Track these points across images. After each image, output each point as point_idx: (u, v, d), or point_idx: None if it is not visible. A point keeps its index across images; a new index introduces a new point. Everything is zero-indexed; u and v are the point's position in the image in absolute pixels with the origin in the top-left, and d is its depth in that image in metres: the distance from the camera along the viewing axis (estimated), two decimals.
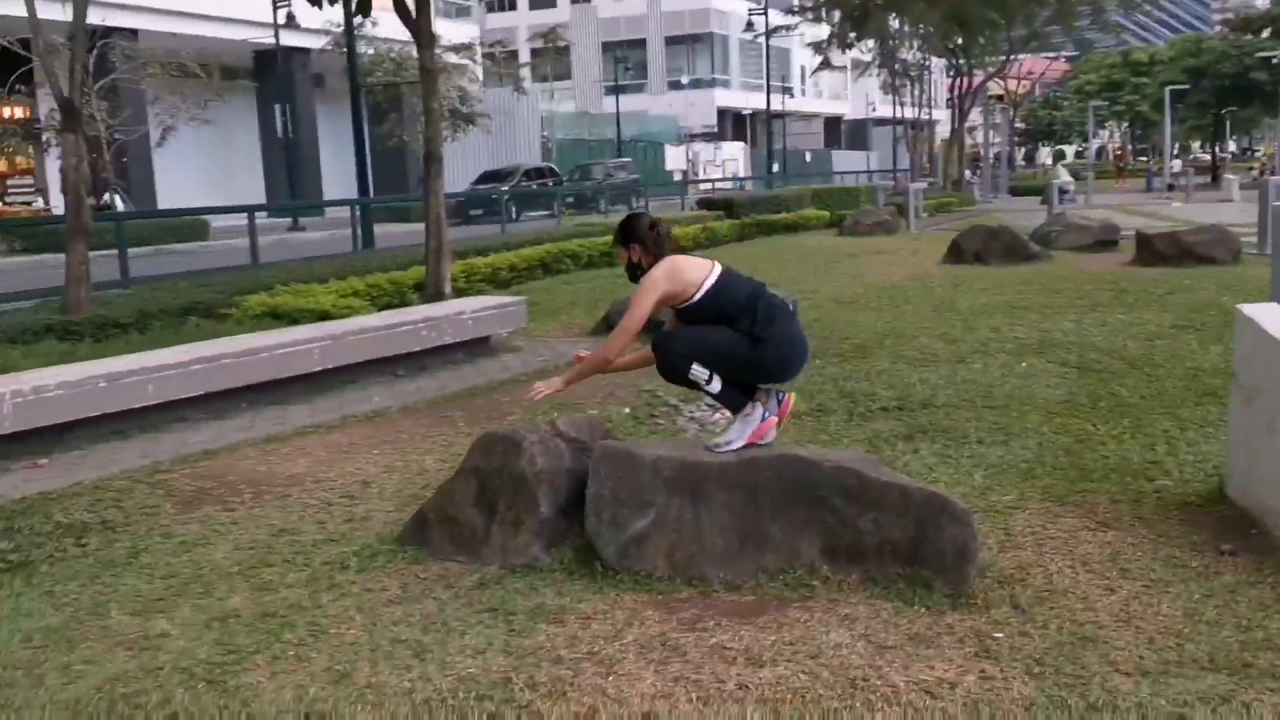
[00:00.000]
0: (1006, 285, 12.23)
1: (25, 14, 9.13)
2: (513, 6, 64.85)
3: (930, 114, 68.52)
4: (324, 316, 9.67)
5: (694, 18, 62.79)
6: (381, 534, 4.69)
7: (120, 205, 25.64)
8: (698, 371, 4.16)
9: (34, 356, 8.00)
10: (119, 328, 9.37)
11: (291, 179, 29.94)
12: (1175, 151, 65.95)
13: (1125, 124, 75.87)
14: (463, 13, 46.51)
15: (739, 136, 65.33)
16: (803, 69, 65.79)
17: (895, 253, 17.16)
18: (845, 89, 77.91)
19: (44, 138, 24.42)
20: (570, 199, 32.45)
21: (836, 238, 21.09)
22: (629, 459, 4.12)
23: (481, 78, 36.51)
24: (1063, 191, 36.84)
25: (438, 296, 11.15)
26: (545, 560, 4.16)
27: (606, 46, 62.17)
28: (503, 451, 4.32)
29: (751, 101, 66.99)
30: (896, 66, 45.65)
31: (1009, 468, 5.41)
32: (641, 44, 63.73)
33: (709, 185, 40.99)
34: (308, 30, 31.67)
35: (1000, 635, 3.50)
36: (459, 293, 13.04)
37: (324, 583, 4.16)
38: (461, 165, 38.15)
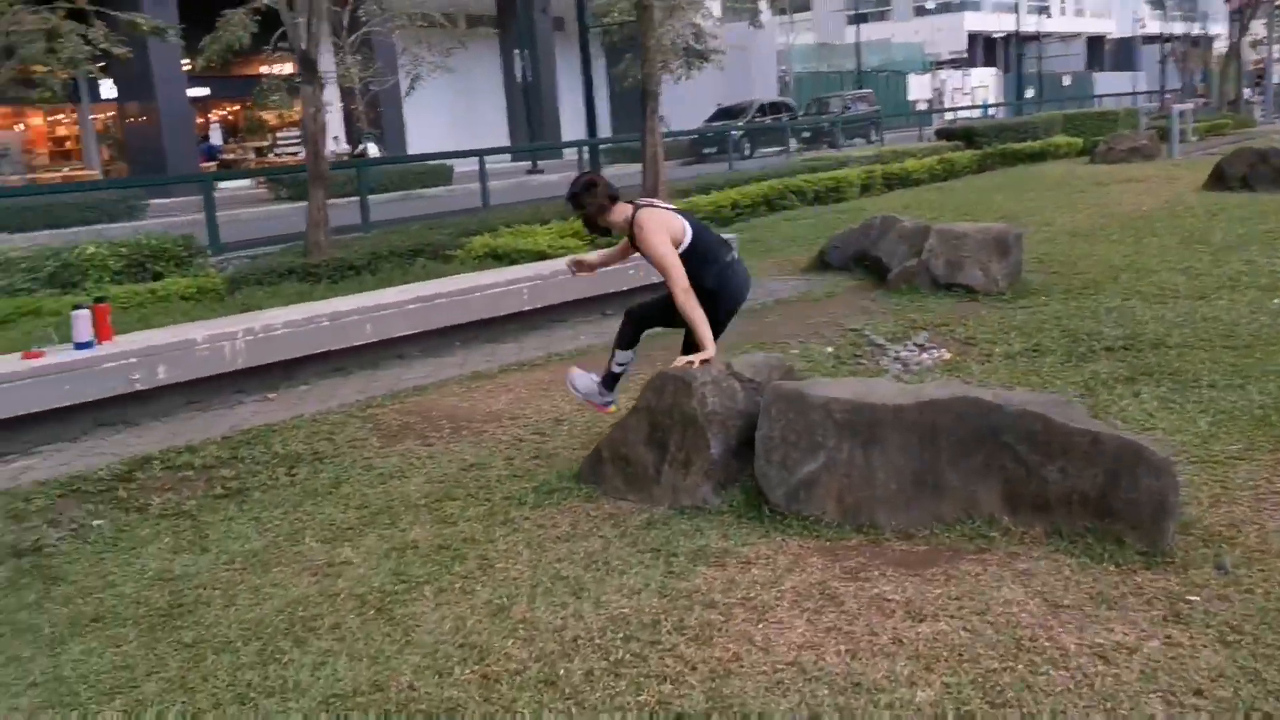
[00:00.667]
0: (1272, 214, 11.12)
1: None
2: None
3: (1205, 28, 63.12)
4: (540, 257, 9.87)
5: None
6: (562, 471, 4.75)
7: (374, 152, 27.05)
8: (621, 356, 4.97)
9: (276, 297, 8.58)
10: (353, 269, 9.89)
11: (531, 122, 30.67)
12: None
13: None
14: None
15: (990, 62, 62.21)
16: None
17: (1148, 180, 15.91)
18: (1109, 5, 72.71)
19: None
20: (806, 133, 31.82)
21: (1087, 166, 19.75)
22: (800, 400, 3.99)
23: (718, 12, 36.15)
24: None
25: None
26: (714, 502, 4.11)
27: None
28: (674, 391, 4.27)
29: (1004, 24, 63.52)
30: None
31: (1240, 414, 4.93)
32: None
33: (953, 115, 39.33)
34: None
35: (1195, 598, 3.20)
36: None
37: (499, 517, 4.26)
38: (695, 102, 38.10)
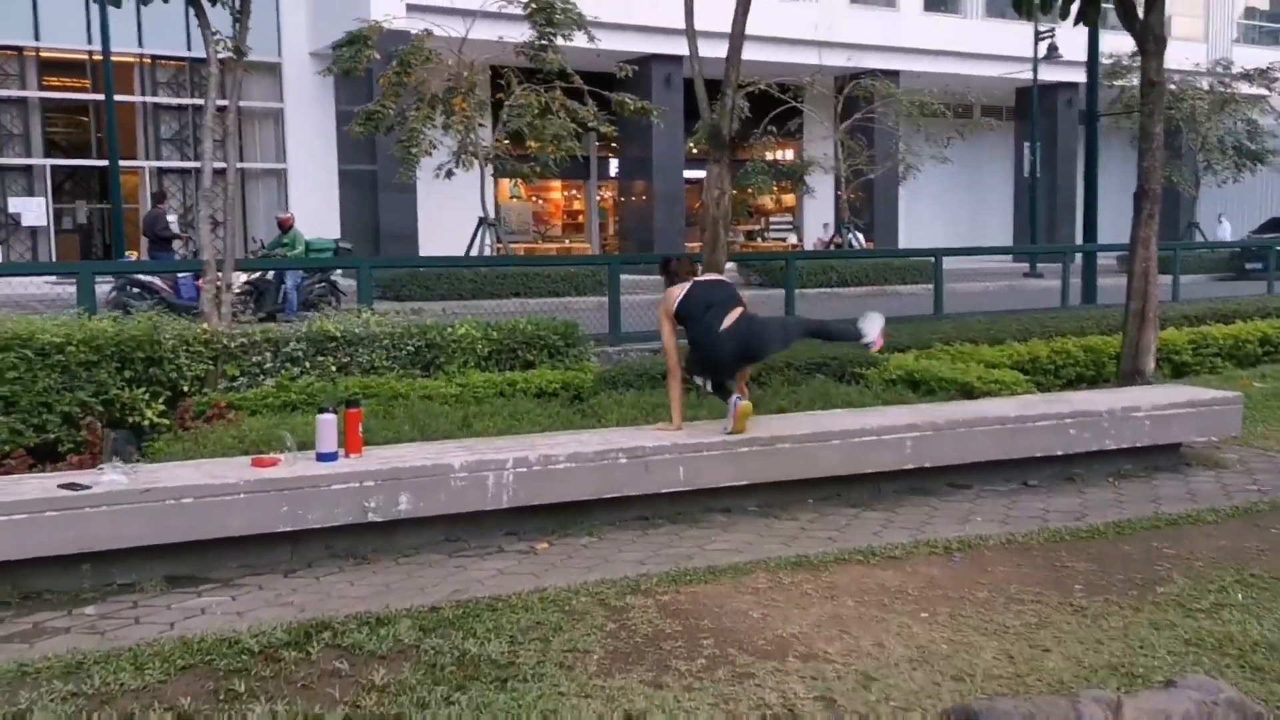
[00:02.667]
0: None
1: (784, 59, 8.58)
2: None
3: None
4: (966, 391, 7.73)
5: None
6: None
7: (855, 244, 25.69)
8: (697, 380, 5.98)
9: (623, 407, 7.23)
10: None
11: (1034, 220, 27.78)
12: None
13: None
14: (1267, 36, 40.27)
15: None
16: None
17: None
18: None
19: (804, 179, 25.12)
20: None
21: None
22: None
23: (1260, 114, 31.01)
24: None
25: (1133, 375, 8.57)
26: None
27: None
28: None
29: None
30: None
31: None
32: None
33: None
34: (1073, 63, 29.44)
35: None
36: (1176, 372, 10.21)
37: None
38: (1242, 210, 33.00)
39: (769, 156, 27.85)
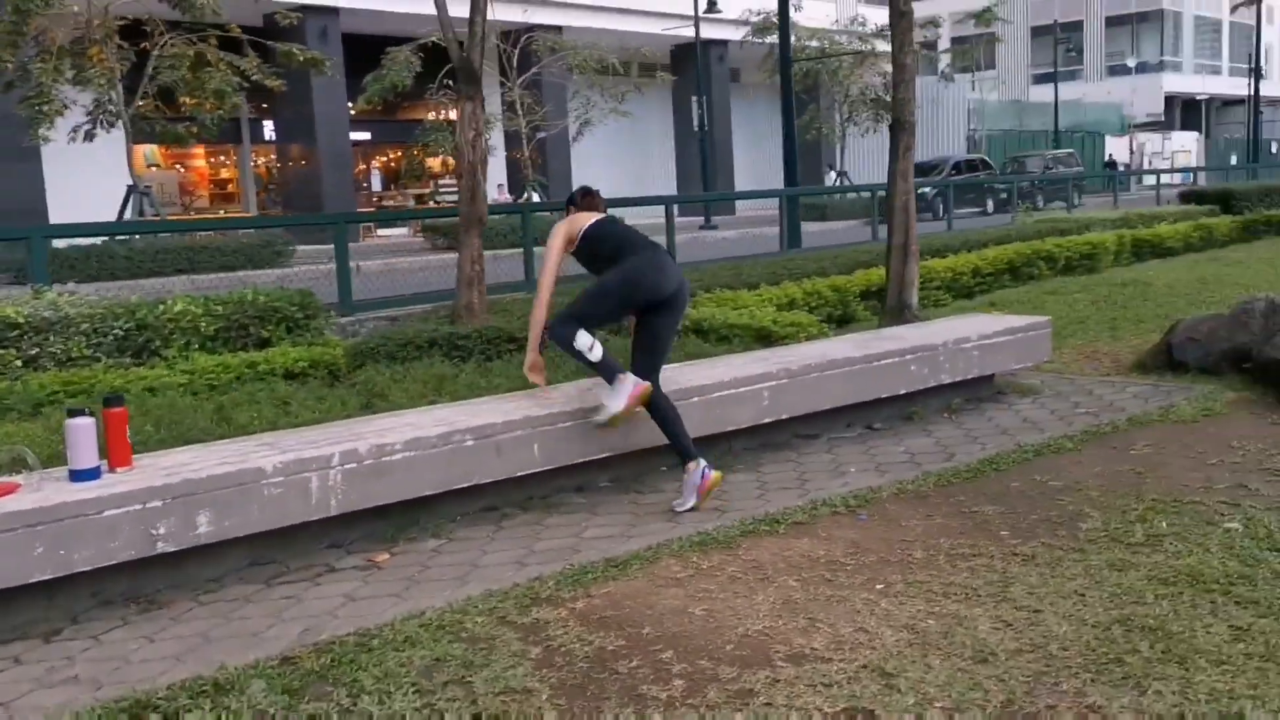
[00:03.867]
0: None
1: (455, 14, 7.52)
2: None
3: None
4: (763, 337, 7.30)
5: None
6: None
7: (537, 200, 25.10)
8: (580, 341, 4.56)
9: (407, 381, 6.21)
10: (512, 343, 7.49)
11: (706, 173, 28.38)
12: None
13: None
14: None
15: (1188, 126, 57.65)
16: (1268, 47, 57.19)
17: None
18: None
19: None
20: (1003, 194, 28.66)
21: None
22: None
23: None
24: None
25: (900, 311, 8.52)
26: None
27: (1036, 31, 56.83)
28: None
29: (1208, 86, 58.86)
30: None
31: None
32: (1077, 26, 57.52)
33: (1153, 179, 35.48)
34: (726, 21, 30.24)
35: None
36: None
37: None
38: (881, 158, 35.32)
39: (431, 117, 26.60)
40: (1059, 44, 47.45)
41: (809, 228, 20.41)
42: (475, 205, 7.67)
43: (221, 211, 27.93)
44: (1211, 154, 53.99)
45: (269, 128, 26.89)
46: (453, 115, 27.95)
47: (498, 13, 23.38)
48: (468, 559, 4.12)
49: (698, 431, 4.94)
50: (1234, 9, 41.41)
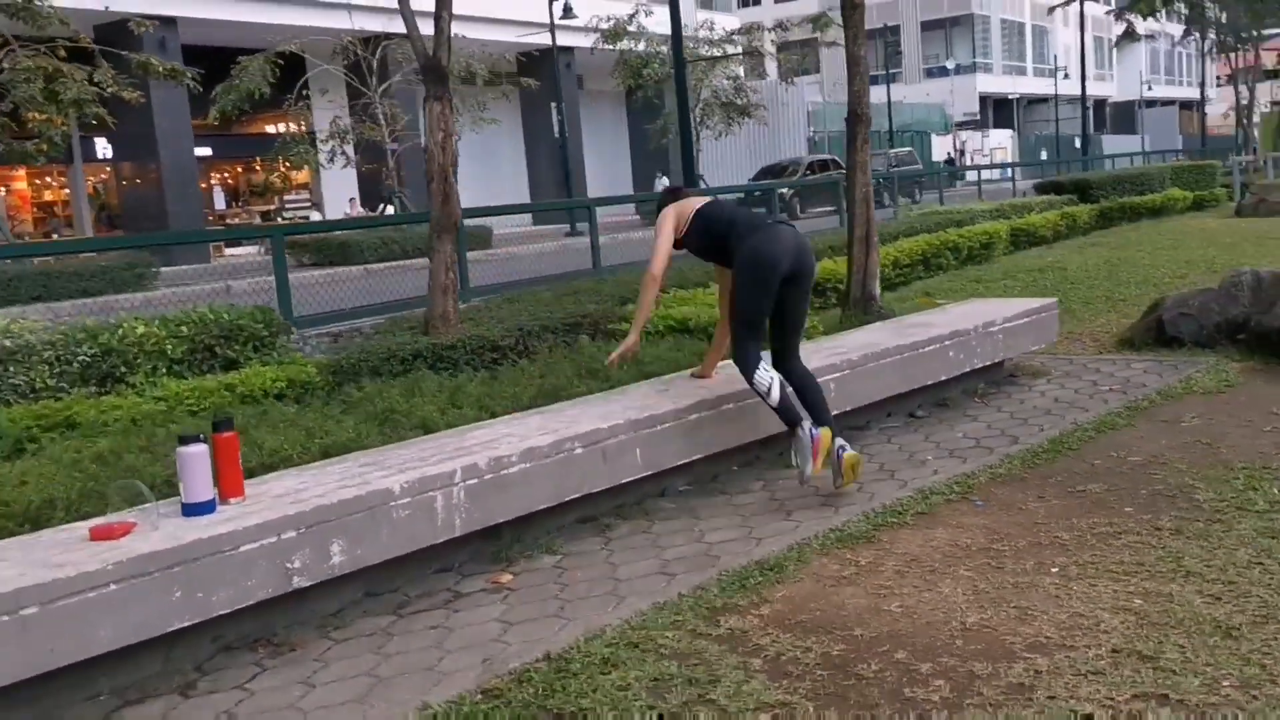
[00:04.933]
0: None
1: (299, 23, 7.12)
2: (757, 1, 62.21)
3: (1203, 92, 62.21)
4: None
5: (953, 0, 58.73)
6: None
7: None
8: (759, 380, 4.42)
9: (417, 396, 5.85)
10: (496, 351, 7.18)
11: (569, 181, 28.19)
12: None
13: None
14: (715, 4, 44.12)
15: (1000, 124, 60.79)
16: (1085, 46, 60.82)
17: None
18: (1109, 70, 71.94)
19: (332, 147, 23.25)
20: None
21: (1238, 220, 17.34)
22: None
23: (742, 71, 34.00)
24: None
25: (865, 300, 8.55)
26: None
27: None
28: None
29: (1017, 86, 62.12)
30: (1216, 33, 40.53)
31: None
32: (895, 30, 59.83)
33: (974, 175, 37.22)
34: (575, 29, 30.08)
35: None
36: (843, 299, 10.44)
37: None
38: (730, 160, 35.85)
39: (280, 129, 25.50)
40: (889, 46, 49.21)
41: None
42: (448, 210, 7.30)
43: (56, 235, 26.17)
44: (1024, 149, 56.97)
45: (101, 145, 25.31)
46: (285, 127, 27.11)
47: (356, 21, 22.82)
48: (601, 573, 3.86)
49: (774, 430, 4.79)
50: (1050, 10, 44.04)
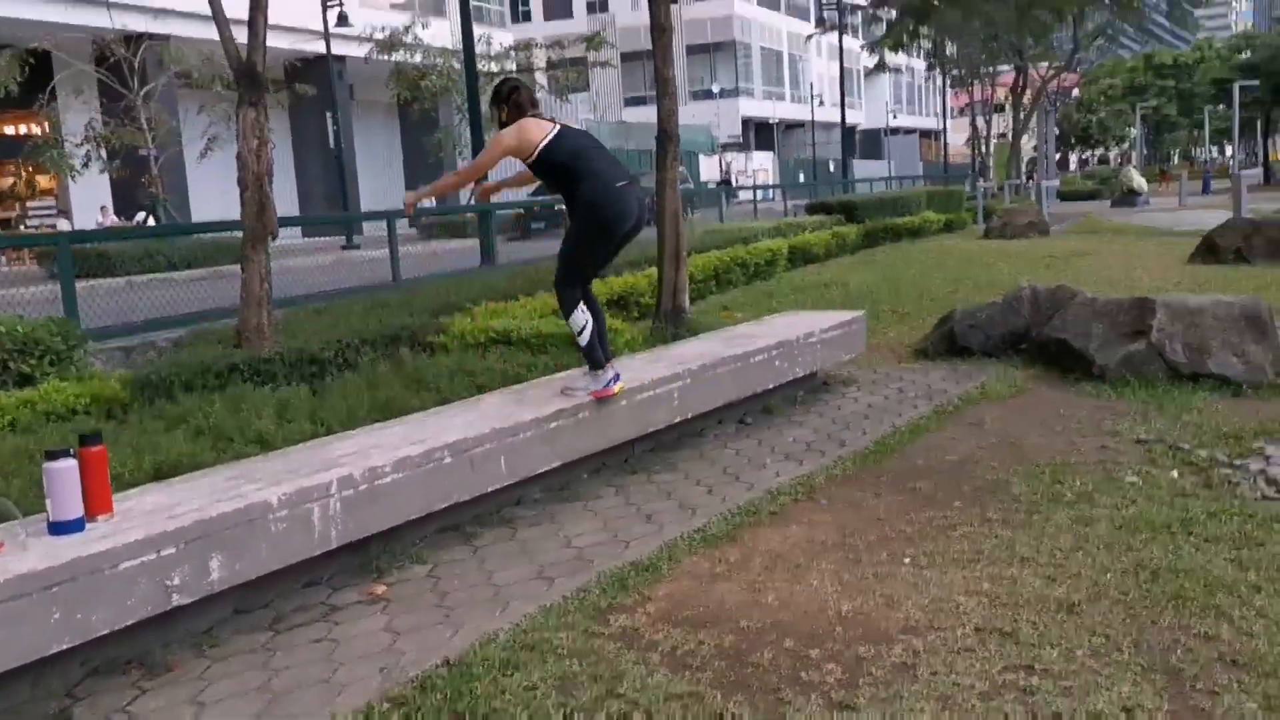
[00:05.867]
0: None
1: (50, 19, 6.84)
2: (527, 18, 62.57)
3: (944, 122, 67.28)
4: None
5: (716, 26, 60.83)
6: None
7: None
8: (575, 320, 4.82)
9: (244, 414, 5.65)
10: (315, 364, 7.02)
11: (345, 192, 27.51)
12: (1231, 152, 64.34)
13: (1144, 129, 74.29)
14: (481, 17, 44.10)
15: (762, 146, 63.48)
16: (845, 75, 64.24)
17: (1099, 254, 14.91)
18: (859, 99, 76.47)
19: (87, 151, 21.85)
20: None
21: (989, 241, 18.80)
22: None
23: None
24: (1135, 193, 35.01)
25: (676, 313, 8.84)
26: None
27: (625, 56, 60.03)
28: None
29: (777, 111, 65.01)
30: (954, 69, 43.69)
31: None
32: None
33: (749, 195, 38.81)
34: (349, 38, 29.41)
35: None
36: (642, 313, 10.75)
37: None
38: (510, 175, 35.78)
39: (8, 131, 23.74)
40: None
41: (450, 245, 20.10)
42: (264, 219, 7.08)
43: None
44: (784, 172, 59.65)
45: None
46: (38, 129, 25.32)
47: (118, 19, 21.54)
48: (478, 580, 3.89)
49: (627, 435, 4.94)
50: (806, 39, 46.64)
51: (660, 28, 8.76)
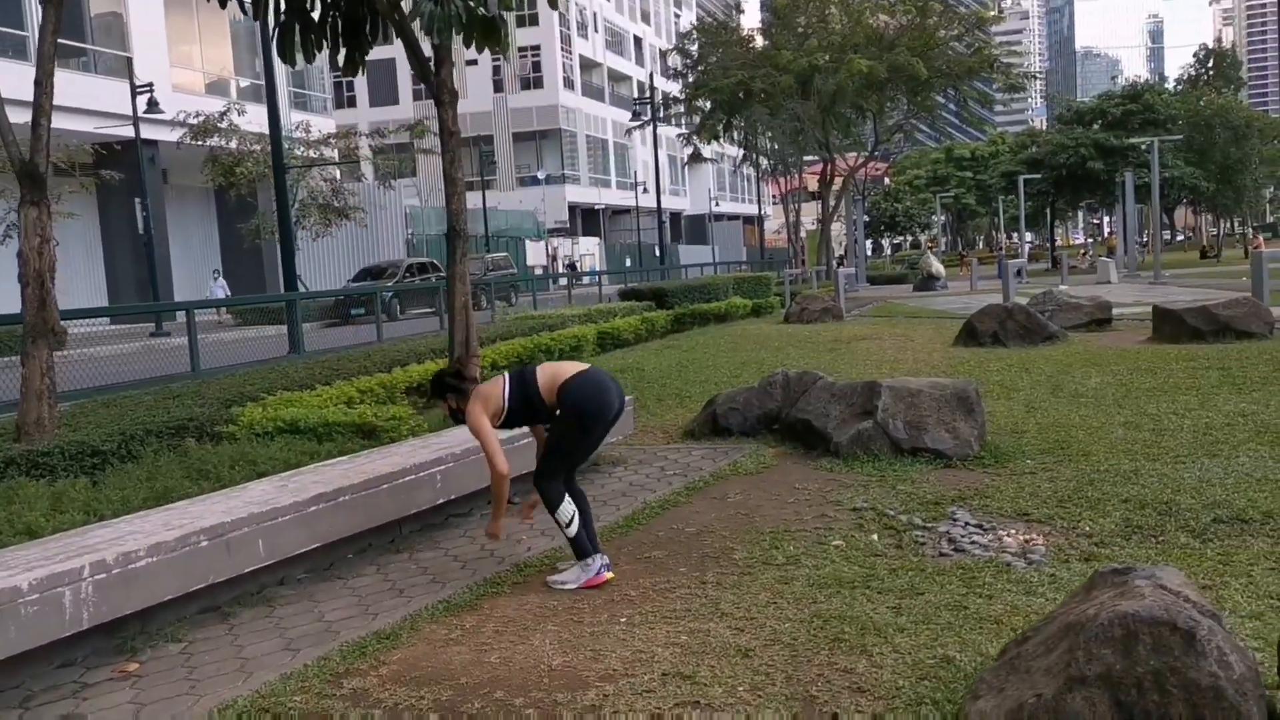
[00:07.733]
0: (1075, 366, 11.15)
1: None
2: (352, 104, 62.72)
3: (761, 209, 70.35)
4: (367, 433, 7.68)
5: (542, 114, 62.23)
6: None
7: None
8: (562, 513, 4.90)
9: (15, 505, 5.80)
10: (97, 456, 7.16)
11: (154, 279, 27.03)
12: (1022, 239, 69.08)
13: (947, 216, 79.41)
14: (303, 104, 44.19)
15: (589, 232, 64.84)
16: (661, 164, 66.46)
17: (879, 339, 16.06)
18: (684, 186, 79.11)
19: None
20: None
21: (787, 326, 19.91)
22: None
23: (338, 174, 34.42)
24: (934, 278, 37.36)
25: None
26: None
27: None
28: (1155, 644, 2.64)
29: (603, 197, 66.66)
30: (765, 161, 45.91)
31: None
32: (489, 140, 62.45)
33: (565, 280, 39.77)
34: (162, 122, 29.14)
35: None
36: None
37: None
38: (330, 260, 35.81)
39: None
40: (484, 156, 51.15)
41: (266, 331, 20.02)
42: (44, 314, 7.23)
43: None
44: (610, 257, 61.04)
45: None
46: None
47: None
48: (228, 654, 4.21)
49: (390, 516, 5.34)
50: (628, 131, 48.58)
51: (449, 131, 9.29)
